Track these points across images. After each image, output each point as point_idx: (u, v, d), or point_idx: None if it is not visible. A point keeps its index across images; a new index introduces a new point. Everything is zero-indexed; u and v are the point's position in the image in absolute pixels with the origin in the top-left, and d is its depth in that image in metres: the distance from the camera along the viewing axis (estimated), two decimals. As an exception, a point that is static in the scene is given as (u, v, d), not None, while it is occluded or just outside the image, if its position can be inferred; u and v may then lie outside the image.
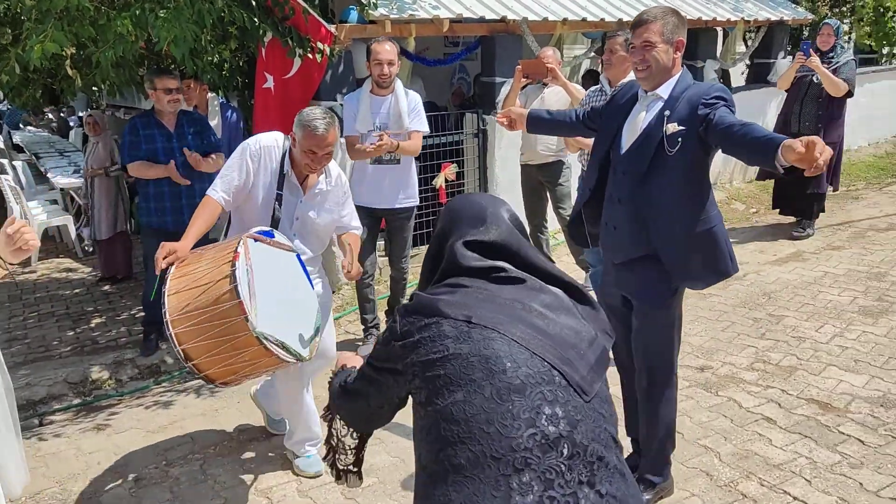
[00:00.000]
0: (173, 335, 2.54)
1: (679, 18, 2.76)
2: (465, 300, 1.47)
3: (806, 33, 7.17)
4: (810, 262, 6.02)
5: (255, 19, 4.57)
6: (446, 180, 5.61)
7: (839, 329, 4.69)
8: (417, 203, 4.71)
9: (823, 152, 2.11)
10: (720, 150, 2.69)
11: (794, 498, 3.07)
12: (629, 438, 3.22)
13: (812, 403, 3.82)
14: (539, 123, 3.36)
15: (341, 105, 5.48)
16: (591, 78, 7.93)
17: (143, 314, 5.08)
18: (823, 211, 6.79)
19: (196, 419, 4.05)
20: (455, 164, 5.68)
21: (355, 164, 4.60)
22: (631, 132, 2.84)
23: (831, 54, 6.10)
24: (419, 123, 4.57)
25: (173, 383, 4.58)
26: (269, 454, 3.66)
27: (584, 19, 6.55)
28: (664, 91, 2.76)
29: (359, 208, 4.44)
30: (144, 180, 4.58)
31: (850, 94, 6.10)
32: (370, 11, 5.36)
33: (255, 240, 2.78)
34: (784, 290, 5.42)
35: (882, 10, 10.04)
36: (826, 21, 6.29)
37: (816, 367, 4.21)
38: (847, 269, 5.77)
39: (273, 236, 2.93)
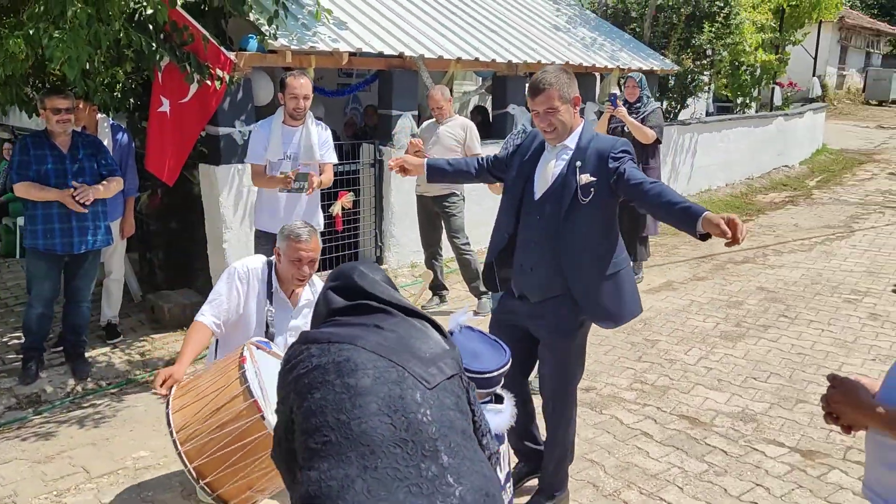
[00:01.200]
0: (183, 453, 2.41)
1: (570, 76, 3.00)
2: (332, 329, 1.77)
3: (617, 90, 7.66)
4: (679, 292, 6.56)
5: (153, 43, 4.56)
6: (343, 208, 5.73)
7: (705, 352, 5.17)
8: (321, 229, 4.82)
9: (745, 233, 2.50)
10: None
11: (669, 503, 3.39)
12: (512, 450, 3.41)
13: (683, 419, 4.19)
14: (439, 174, 3.42)
15: (240, 132, 5.54)
16: (479, 113, 8.32)
17: (17, 341, 4.85)
18: (650, 255, 7.01)
19: (85, 448, 3.93)
20: (352, 193, 5.82)
21: (264, 193, 4.66)
22: (543, 179, 3.05)
23: (638, 104, 6.35)
24: (330, 156, 4.72)
25: (55, 413, 4.40)
26: (167, 482, 3.61)
27: (476, 59, 6.90)
28: (571, 142, 3.02)
29: (268, 235, 4.52)
30: (32, 202, 4.43)
31: (658, 141, 6.38)
32: (270, 41, 5.45)
33: (258, 347, 2.77)
34: (658, 317, 5.88)
35: (737, 64, 11.09)
36: (630, 75, 6.54)
37: (686, 386, 4.63)
38: (710, 298, 6.34)
39: (270, 347, 2.93)
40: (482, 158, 3.39)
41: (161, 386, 2.69)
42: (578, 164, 2.95)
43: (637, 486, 3.53)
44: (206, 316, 3.05)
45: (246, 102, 5.64)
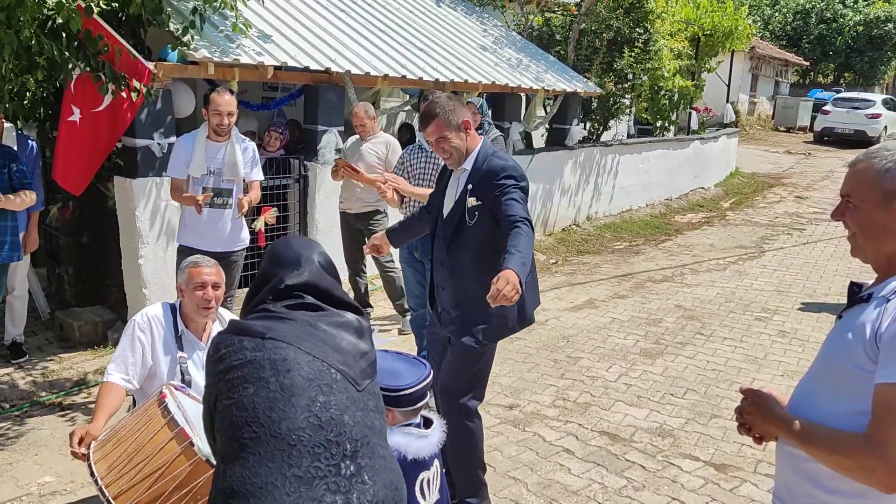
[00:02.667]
0: (110, 499, 2.30)
1: (456, 101, 3.11)
2: (266, 322, 1.81)
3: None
4: (601, 309, 6.69)
5: (66, 52, 4.38)
6: (266, 224, 5.62)
7: (625, 368, 5.28)
8: (247, 245, 4.72)
9: (504, 291, 2.48)
10: None
11: (590, 520, 3.42)
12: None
13: (604, 435, 4.26)
14: (399, 237, 3.62)
15: (159, 144, 5.37)
16: (406, 130, 8.33)
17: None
18: None
19: (-16, 475, 3.70)
20: (275, 209, 5.71)
21: (188, 208, 4.53)
22: (448, 201, 3.20)
23: (479, 131, 6.17)
24: (257, 173, 4.63)
25: (-48, 438, 4.14)
26: (73, 509, 3.43)
27: (404, 76, 6.91)
28: (469, 163, 3.13)
29: (191, 251, 4.38)
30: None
31: None
32: (192, 52, 5.32)
33: (176, 388, 2.67)
34: (580, 335, 5.98)
35: (656, 88, 11.48)
36: (469, 100, 6.07)
37: (607, 402, 4.71)
38: (631, 316, 6.50)
39: (189, 391, 2.82)
40: (424, 206, 3.53)
41: (79, 445, 2.55)
42: (470, 186, 3.06)
43: (559, 503, 3.56)
44: (114, 375, 2.92)
45: (165, 114, 5.47)
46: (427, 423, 2.28)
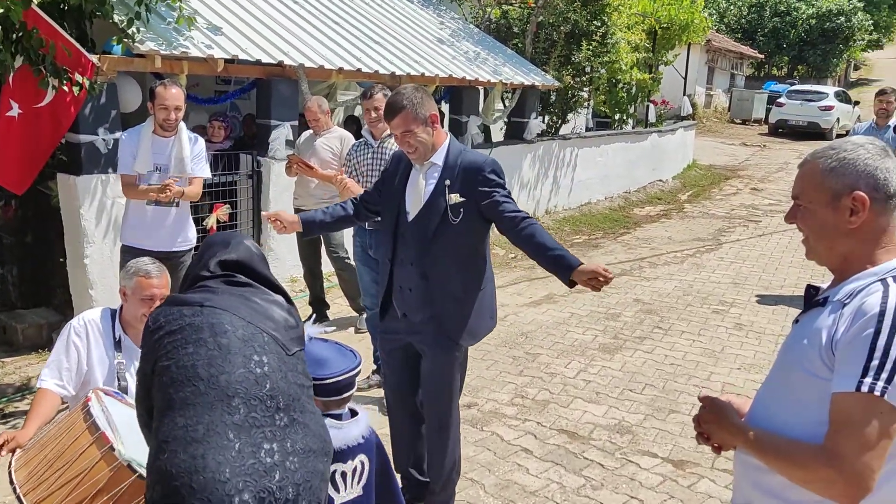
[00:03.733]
0: None
1: (423, 93, 2.98)
2: (202, 294, 1.97)
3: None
4: (560, 304, 6.68)
5: (1, 45, 4.19)
6: (218, 221, 5.46)
7: (584, 365, 5.26)
8: (194, 245, 4.57)
9: (609, 279, 2.71)
10: None
11: (548, 521, 3.39)
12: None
13: (562, 433, 4.23)
14: (318, 227, 3.35)
15: (104, 140, 5.19)
16: (352, 122, 8.18)
17: None
18: None
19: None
20: (227, 206, 5.57)
21: (131, 205, 4.37)
22: (415, 199, 3.03)
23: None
24: (202, 170, 4.47)
25: None
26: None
27: (359, 70, 6.79)
28: (438, 159, 3.00)
29: (135, 250, 4.23)
30: None
31: None
32: (138, 45, 5.13)
33: (107, 394, 2.55)
34: (539, 330, 5.96)
35: (614, 81, 11.53)
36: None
37: (565, 399, 4.69)
38: (590, 311, 6.49)
39: (124, 397, 2.69)
40: (356, 198, 3.38)
41: (1, 449, 2.45)
42: (447, 182, 2.95)
43: (516, 504, 3.52)
44: (47, 381, 2.79)
45: (111, 109, 5.28)
46: (353, 415, 2.24)
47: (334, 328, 2.22)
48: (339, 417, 2.19)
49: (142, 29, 5.22)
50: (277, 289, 2.09)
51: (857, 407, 1.44)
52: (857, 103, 23.54)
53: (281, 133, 6.34)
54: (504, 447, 4.06)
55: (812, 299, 1.69)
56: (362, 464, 2.22)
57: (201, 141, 4.53)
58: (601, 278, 2.70)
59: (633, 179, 12.45)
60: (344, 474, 2.17)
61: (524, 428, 4.29)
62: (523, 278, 7.52)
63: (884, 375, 1.42)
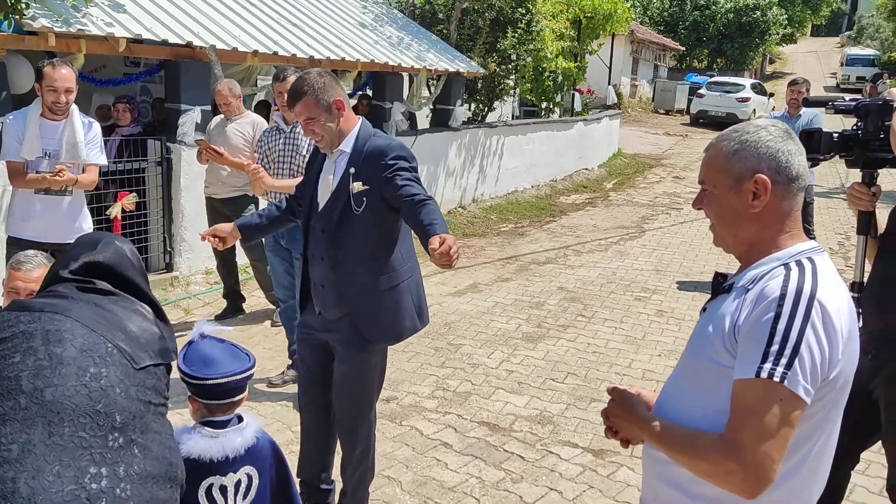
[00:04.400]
0: None
1: (328, 78, 2.80)
2: (48, 299, 1.76)
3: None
4: (484, 294, 6.60)
5: None
6: (123, 210, 5.17)
7: (507, 354, 5.19)
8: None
9: (450, 248, 2.41)
10: None
11: (467, 517, 3.29)
12: (299, 479, 3.17)
13: (483, 426, 4.14)
14: (257, 231, 3.25)
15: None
16: (263, 108, 7.88)
17: None
18: None
19: None
20: (134, 194, 5.26)
21: (17, 194, 4.04)
22: (324, 189, 2.87)
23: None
24: (97, 156, 4.17)
25: None
26: None
27: (275, 53, 6.53)
28: (347, 146, 2.83)
29: (22, 242, 3.92)
30: None
31: None
32: (29, 21, 4.76)
33: None
34: (462, 320, 5.86)
35: (540, 69, 11.53)
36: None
37: (487, 391, 4.60)
38: (514, 299, 6.44)
39: None
40: (289, 195, 3.22)
41: None
42: (352, 170, 2.79)
43: (434, 501, 3.40)
44: None
45: (0, 90, 4.90)
46: (239, 419, 2.06)
47: (231, 329, 2.07)
48: (223, 424, 2.00)
49: (34, 4, 4.85)
50: (146, 298, 1.89)
51: (757, 394, 1.38)
52: (771, 95, 24.45)
53: (190, 118, 6.03)
54: (423, 442, 3.94)
55: (719, 286, 1.62)
56: (248, 476, 2.03)
57: (96, 126, 4.23)
58: (436, 250, 2.42)
59: (559, 168, 12.51)
60: (224, 488, 1.98)
61: (444, 421, 4.18)
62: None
63: (783, 361, 1.36)
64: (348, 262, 2.81)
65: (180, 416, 4.09)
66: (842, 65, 38.97)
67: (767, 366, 1.37)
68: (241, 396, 2.04)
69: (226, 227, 3.11)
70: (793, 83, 6.60)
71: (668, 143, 18.96)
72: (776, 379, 1.36)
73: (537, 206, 10.75)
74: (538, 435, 4.05)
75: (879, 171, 2.49)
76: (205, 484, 1.95)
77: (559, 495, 3.48)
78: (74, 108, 4.06)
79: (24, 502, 1.43)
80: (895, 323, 2.47)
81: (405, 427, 4.10)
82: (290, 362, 4.61)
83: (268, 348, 5.12)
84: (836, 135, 2.43)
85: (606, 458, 3.82)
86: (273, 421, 4.06)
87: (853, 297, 2.39)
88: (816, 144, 1.56)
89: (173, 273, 6.13)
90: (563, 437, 4.03)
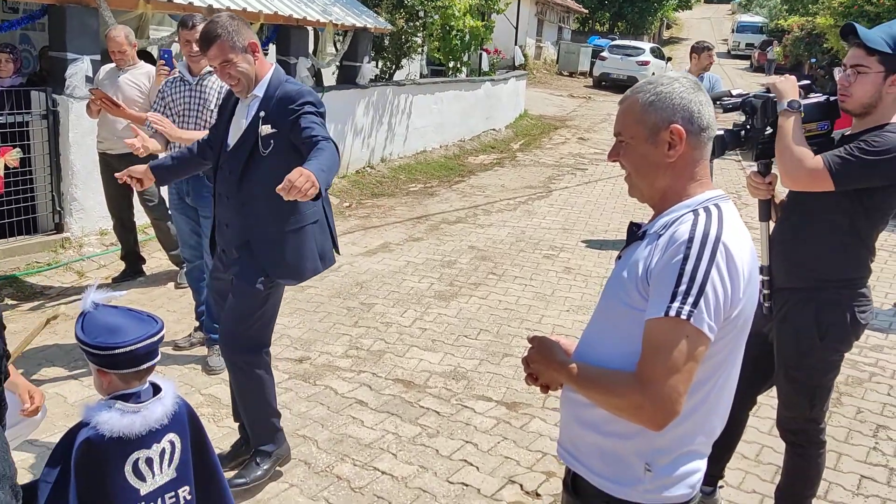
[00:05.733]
0: None
1: (238, 22, 2.81)
2: None
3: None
4: (395, 253, 6.56)
5: None
6: (6, 167, 4.81)
7: (419, 313, 5.19)
8: None
9: (297, 182, 2.32)
10: None
11: (383, 472, 3.28)
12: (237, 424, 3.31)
13: (398, 383, 4.14)
14: (169, 173, 3.19)
15: None
16: (147, 60, 7.48)
17: None
18: None
19: None
20: (17, 150, 4.89)
21: None
22: (235, 131, 2.92)
23: None
24: None
25: None
26: None
27: (170, 0, 6.16)
28: (260, 90, 2.87)
29: None
30: None
31: None
32: None
33: None
34: (374, 280, 5.81)
35: (448, 27, 11.42)
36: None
37: (401, 349, 4.59)
38: (425, 259, 6.43)
39: None
40: (202, 138, 3.19)
41: None
42: (262, 114, 2.82)
43: (350, 458, 3.38)
44: None
45: None
46: (156, 390, 1.96)
47: (124, 293, 1.97)
48: (137, 396, 1.90)
49: None
50: None
51: (665, 331, 1.44)
52: (669, 59, 25.17)
53: (80, 68, 5.62)
54: (338, 401, 3.90)
55: (633, 234, 1.66)
56: (171, 444, 1.95)
57: None
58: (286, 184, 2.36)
59: (467, 128, 12.51)
60: (150, 460, 1.90)
61: (359, 380, 4.15)
62: (358, 227, 7.32)
63: (690, 300, 1.42)
64: (253, 202, 2.87)
65: (79, 381, 3.90)
66: (733, 31, 40.60)
67: (675, 304, 1.43)
68: (154, 361, 1.93)
69: (140, 168, 3.06)
70: (695, 49, 6.73)
71: (573, 104, 19.29)
72: (683, 317, 1.42)
73: (446, 167, 10.73)
74: (453, 390, 4.09)
75: (773, 159, 2.56)
76: (131, 459, 1.86)
77: (474, 447, 3.52)
78: None
79: None
80: (782, 277, 2.62)
81: (319, 387, 4.04)
82: (196, 324, 4.44)
83: (172, 311, 4.92)
84: (726, 134, 2.48)
85: (519, 411, 3.90)
86: (182, 384, 3.92)
87: (761, 280, 2.51)
88: (712, 149, 1.63)
89: (64, 234, 5.76)
90: (476, 392, 4.08)
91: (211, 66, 2.85)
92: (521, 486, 3.24)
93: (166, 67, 4.48)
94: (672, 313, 1.43)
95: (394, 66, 10.97)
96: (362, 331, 4.83)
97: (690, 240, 1.46)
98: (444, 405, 3.91)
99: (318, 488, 3.15)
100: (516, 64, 19.48)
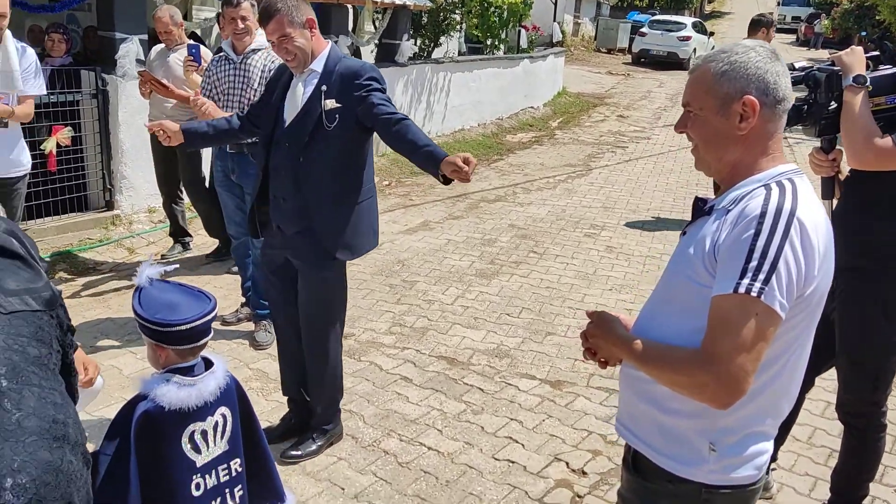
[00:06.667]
0: None
1: None
2: None
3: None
4: (436, 231, 6.58)
5: None
6: (58, 145, 4.91)
7: (461, 291, 5.21)
8: (29, 171, 4.06)
9: (472, 166, 2.52)
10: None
11: (429, 448, 3.32)
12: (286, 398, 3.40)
13: (441, 360, 4.17)
14: (199, 139, 3.23)
15: None
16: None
17: None
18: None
19: None
20: (69, 128, 4.99)
21: None
22: (292, 106, 2.94)
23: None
24: (34, 86, 3.95)
25: None
26: None
27: (214, -20, 6.21)
28: (318, 65, 2.90)
29: None
30: None
31: None
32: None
33: None
34: (415, 258, 5.84)
35: (486, 4, 11.30)
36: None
37: (444, 326, 4.62)
38: (466, 237, 6.44)
39: None
40: (242, 112, 3.25)
41: None
42: (324, 88, 2.85)
43: (397, 433, 3.43)
44: None
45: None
46: (208, 365, 2.02)
47: (177, 266, 1.99)
48: (191, 370, 1.96)
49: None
50: (12, 255, 1.76)
51: (734, 308, 1.40)
52: (711, 34, 24.62)
53: (131, 49, 5.71)
54: (383, 377, 3.95)
55: (699, 210, 1.63)
56: (224, 417, 2.02)
57: (31, 52, 3.97)
58: (464, 168, 2.54)
59: (505, 106, 12.42)
60: (205, 433, 1.96)
61: (403, 356, 4.19)
62: (398, 206, 7.35)
63: (761, 276, 1.38)
64: (316, 176, 2.89)
65: (133, 354, 4.00)
66: (778, 4, 39.54)
67: (745, 281, 1.39)
68: (209, 337, 1.99)
69: (173, 126, 3.10)
70: (758, 23, 6.54)
71: (611, 82, 19.02)
72: (753, 294, 1.38)
73: (484, 145, 10.69)
74: (496, 368, 4.11)
75: (838, 135, 2.49)
76: (187, 432, 1.92)
77: (520, 425, 3.55)
78: (8, 34, 3.78)
79: None
80: (846, 256, 2.56)
81: (364, 363, 4.09)
82: (243, 300, 4.52)
83: (219, 287, 5.01)
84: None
85: (564, 389, 3.90)
86: (230, 359, 4.00)
87: None
88: None
89: (114, 211, 5.90)
90: (520, 370, 4.10)
91: (269, 40, 2.87)
92: (567, 463, 3.26)
93: (194, 63, 4.51)
94: (742, 290, 1.39)
95: (432, 44, 10.91)
96: (405, 308, 4.87)
97: (763, 214, 1.42)
98: (488, 382, 3.94)
99: (365, 462, 3.20)
100: (554, 41, 19.23)
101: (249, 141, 3.74)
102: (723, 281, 1.43)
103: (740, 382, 1.40)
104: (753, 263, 1.39)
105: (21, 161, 3.95)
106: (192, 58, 4.53)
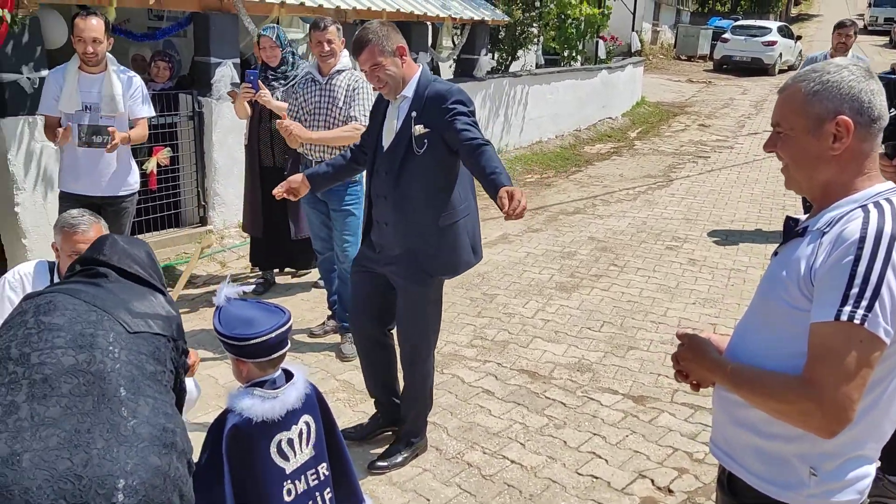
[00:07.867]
0: None
1: (389, 27, 2.97)
2: (56, 286, 1.87)
3: (257, 64, 5.18)
4: (515, 244, 6.62)
5: None
6: (158, 165, 5.20)
7: (541, 304, 5.23)
8: (137, 189, 4.34)
9: (520, 204, 2.47)
10: None
11: (512, 461, 3.36)
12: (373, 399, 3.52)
13: (523, 373, 4.21)
14: (324, 179, 3.38)
15: (29, 79, 4.84)
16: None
17: None
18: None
19: None
20: (168, 149, 5.29)
21: (66, 151, 4.11)
22: (388, 132, 3.05)
23: (283, 68, 4.85)
24: (144, 110, 4.26)
25: None
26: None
27: (302, 3, 6.45)
28: (409, 91, 3.00)
29: (72, 197, 4.03)
30: None
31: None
32: (60, -26, 4.74)
33: None
34: (495, 271, 5.89)
35: (564, 16, 11.30)
36: (263, 32, 4.84)
37: (525, 339, 4.65)
38: (545, 250, 6.45)
39: None
40: (354, 143, 3.42)
41: None
42: (414, 114, 2.95)
43: (480, 446, 3.48)
44: None
45: (35, 45, 4.90)
46: (289, 376, 2.14)
47: (253, 287, 2.11)
48: (273, 383, 2.08)
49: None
50: (146, 283, 1.97)
51: (837, 336, 1.39)
52: (799, 38, 23.77)
53: (226, 73, 6.01)
54: (465, 389, 4.02)
55: (791, 230, 1.62)
56: (307, 424, 2.14)
57: (137, 79, 4.25)
58: (504, 204, 2.49)
59: (583, 117, 12.36)
60: (290, 441, 2.09)
61: (485, 369, 4.25)
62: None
63: (863, 303, 1.37)
64: (410, 201, 2.99)
65: (228, 365, 4.18)
66: (870, 6, 37.80)
67: (847, 308, 1.37)
68: (285, 349, 2.11)
69: (297, 178, 3.28)
70: (840, 26, 6.39)
71: (692, 90, 18.63)
72: (857, 321, 1.37)
73: (562, 157, 10.66)
74: (578, 382, 4.11)
75: None
76: (275, 441, 2.04)
77: (603, 440, 3.55)
78: (112, 59, 4.07)
79: (5, 461, 1.43)
80: None
81: (447, 375, 4.17)
82: (329, 313, 4.67)
83: (306, 300, 5.19)
84: None
85: (647, 405, 3.88)
86: (318, 370, 4.15)
87: None
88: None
89: (207, 227, 6.19)
90: (602, 385, 4.09)
91: (362, 69, 2.98)
92: (653, 480, 3.24)
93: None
94: (844, 318, 1.38)
95: (510, 58, 10.98)
96: (486, 321, 4.93)
97: (862, 239, 1.40)
98: (570, 397, 3.95)
99: (449, 474, 3.27)
100: (633, 50, 19.00)
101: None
102: (823, 307, 1.41)
103: (846, 410, 1.39)
104: (855, 290, 1.38)
105: (129, 181, 4.22)
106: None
